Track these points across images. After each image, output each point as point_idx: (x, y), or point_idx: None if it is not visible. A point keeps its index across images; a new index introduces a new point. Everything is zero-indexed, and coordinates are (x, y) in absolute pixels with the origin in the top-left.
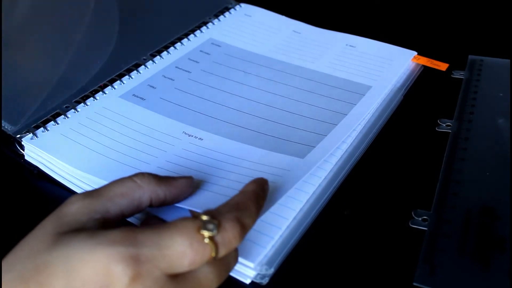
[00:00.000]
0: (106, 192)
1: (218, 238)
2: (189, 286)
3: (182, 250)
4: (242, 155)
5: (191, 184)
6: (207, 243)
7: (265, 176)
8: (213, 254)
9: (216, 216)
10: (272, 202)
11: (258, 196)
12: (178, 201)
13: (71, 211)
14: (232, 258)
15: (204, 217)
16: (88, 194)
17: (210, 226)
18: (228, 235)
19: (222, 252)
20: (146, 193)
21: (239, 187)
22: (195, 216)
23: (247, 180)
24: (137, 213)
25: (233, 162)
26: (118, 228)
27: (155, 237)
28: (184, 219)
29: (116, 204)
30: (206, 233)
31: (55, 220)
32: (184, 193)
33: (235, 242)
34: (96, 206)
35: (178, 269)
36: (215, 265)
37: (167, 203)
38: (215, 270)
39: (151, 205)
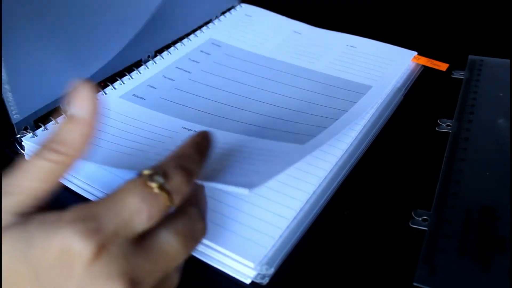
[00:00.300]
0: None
1: (168, 186)
2: (154, 254)
3: (136, 207)
4: (241, 144)
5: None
6: (158, 193)
7: (264, 160)
8: (169, 203)
9: (159, 168)
10: (272, 174)
11: (200, 145)
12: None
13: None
14: (198, 228)
15: (147, 171)
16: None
17: (156, 177)
18: (175, 181)
19: (177, 199)
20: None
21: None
22: (139, 174)
23: (244, 165)
24: None
25: (232, 151)
26: (70, 208)
27: (109, 204)
28: (130, 180)
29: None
30: (153, 184)
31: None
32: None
33: (184, 187)
34: (13, 202)
35: (138, 227)
36: (178, 232)
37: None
38: (179, 238)
39: None
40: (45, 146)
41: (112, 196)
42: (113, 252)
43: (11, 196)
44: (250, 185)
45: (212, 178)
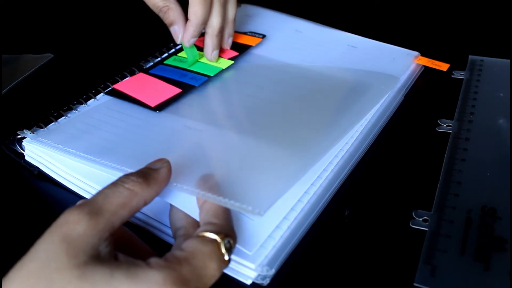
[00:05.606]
0: (107, 206)
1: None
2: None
3: (215, 273)
4: (240, 147)
5: (170, 170)
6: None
7: (264, 170)
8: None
9: (222, 231)
10: (275, 195)
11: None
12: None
13: (79, 233)
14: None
15: (218, 238)
16: (90, 211)
17: (226, 243)
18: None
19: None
20: (141, 199)
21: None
22: (199, 236)
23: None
24: None
25: (230, 152)
26: (155, 266)
27: (193, 265)
28: (205, 243)
29: (119, 217)
30: (224, 251)
31: (67, 247)
32: (167, 182)
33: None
34: (103, 225)
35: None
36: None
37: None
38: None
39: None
40: (127, 177)
41: (190, 256)
42: None
43: (95, 216)
44: (261, 208)
45: (225, 195)
